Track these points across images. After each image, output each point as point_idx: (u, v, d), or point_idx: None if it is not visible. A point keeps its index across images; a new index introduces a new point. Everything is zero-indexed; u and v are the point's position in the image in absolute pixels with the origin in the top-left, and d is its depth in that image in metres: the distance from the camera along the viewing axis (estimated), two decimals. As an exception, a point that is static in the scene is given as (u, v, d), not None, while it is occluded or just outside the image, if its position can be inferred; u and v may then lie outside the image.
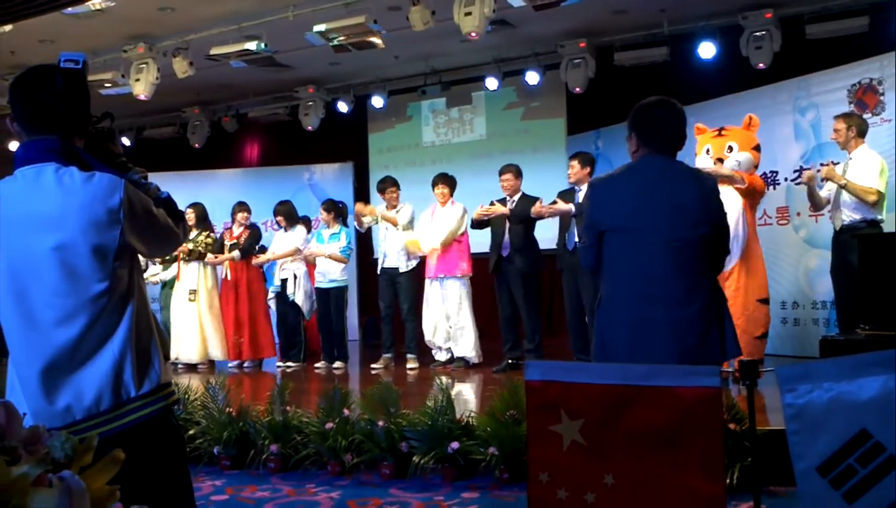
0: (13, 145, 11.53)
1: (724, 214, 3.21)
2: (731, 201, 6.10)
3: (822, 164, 7.39)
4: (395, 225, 8.05)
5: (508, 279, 7.57)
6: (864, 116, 6.84)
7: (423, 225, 8.12)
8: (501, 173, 7.68)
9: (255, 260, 8.78)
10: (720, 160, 6.13)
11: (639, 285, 3.05)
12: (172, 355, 8.81)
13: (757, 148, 6.23)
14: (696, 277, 3.04)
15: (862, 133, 6.24)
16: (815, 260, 7.45)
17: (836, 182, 6.10)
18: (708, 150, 6.21)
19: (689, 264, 3.04)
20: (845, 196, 6.18)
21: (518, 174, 7.66)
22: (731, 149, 6.12)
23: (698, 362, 2.86)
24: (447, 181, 8.05)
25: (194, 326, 8.80)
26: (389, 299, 8.24)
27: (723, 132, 6.25)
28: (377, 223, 8.31)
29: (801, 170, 7.64)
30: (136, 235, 2.14)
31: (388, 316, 8.29)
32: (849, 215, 6.18)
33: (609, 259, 3.17)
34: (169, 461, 2.22)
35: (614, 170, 3.32)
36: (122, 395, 2.09)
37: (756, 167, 6.31)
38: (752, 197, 6.13)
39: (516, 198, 7.57)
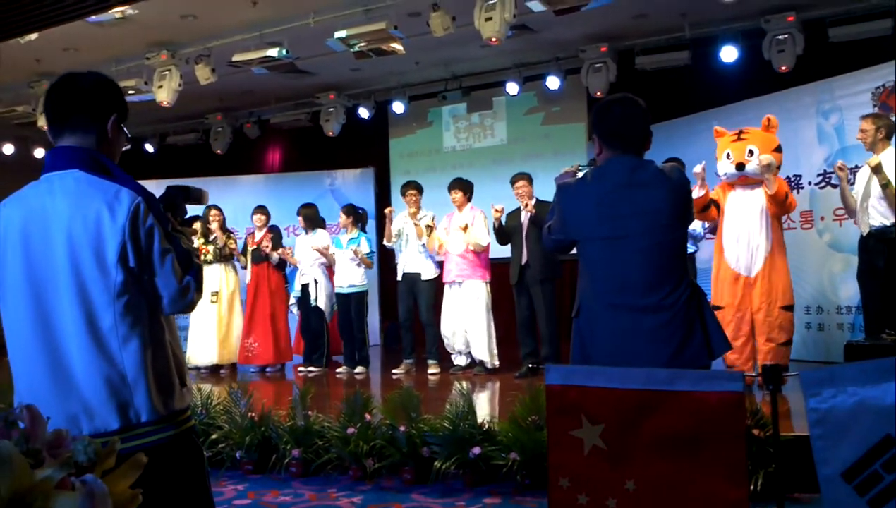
0: (38, 152, 11.68)
1: (693, 209, 3.12)
2: (753, 204, 6.08)
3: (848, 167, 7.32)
4: (420, 236, 8.06)
5: (528, 284, 7.57)
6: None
7: (442, 233, 8.16)
8: (515, 181, 7.69)
9: (286, 255, 8.76)
10: (741, 165, 6.04)
11: (616, 294, 2.93)
12: (192, 361, 8.77)
13: (778, 149, 6.14)
14: (673, 280, 2.92)
15: (890, 135, 6.15)
16: (840, 265, 7.37)
17: (880, 181, 5.95)
18: (728, 155, 6.15)
19: (666, 268, 2.92)
20: (873, 200, 6.10)
21: (531, 180, 7.67)
22: (751, 152, 6.04)
23: (685, 366, 2.79)
24: (460, 185, 8.05)
25: (213, 329, 8.82)
26: (409, 305, 8.26)
27: (742, 135, 6.17)
28: (399, 237, 8.31)
29: (824, 173, 7.58)
30: (134, 254, 2.08)
31: (408, 322, 8.32)
32: (877, 219, 6.11)
33: (584, 265, 3.06)
34: (187, 479, 2.20)
35: (584, 173, 3.14)
36: (132, 419, 2.07)
37: (779, 168, 6.24)
38: (780, 207, 6.05)
39: (532, 203, 7.57)
